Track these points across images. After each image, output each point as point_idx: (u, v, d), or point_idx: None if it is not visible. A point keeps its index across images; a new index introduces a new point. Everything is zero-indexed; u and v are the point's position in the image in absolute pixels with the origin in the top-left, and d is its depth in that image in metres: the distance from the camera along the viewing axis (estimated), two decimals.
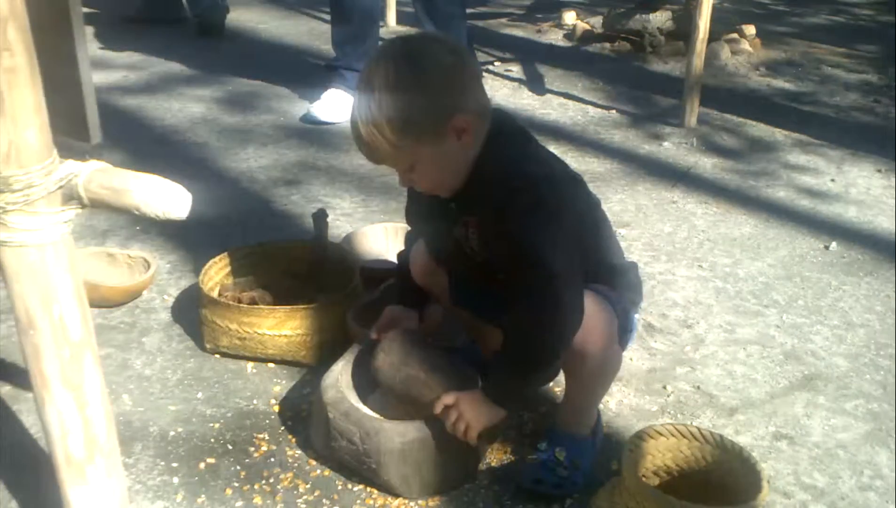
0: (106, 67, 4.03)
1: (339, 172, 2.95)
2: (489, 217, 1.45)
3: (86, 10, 4.52)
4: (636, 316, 1.66)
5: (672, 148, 3.29)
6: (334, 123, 3.38)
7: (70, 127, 1.08)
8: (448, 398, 1.47)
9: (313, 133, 3.31)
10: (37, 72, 0.96)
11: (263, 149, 3.15)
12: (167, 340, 1.98)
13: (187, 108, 3.55)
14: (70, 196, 1.03)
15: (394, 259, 1.82)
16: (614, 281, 1.59)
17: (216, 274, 2.01)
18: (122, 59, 4.18)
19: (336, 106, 3.42)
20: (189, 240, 2.42)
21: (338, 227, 2.51)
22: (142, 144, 3.13)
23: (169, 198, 1.01)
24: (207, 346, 1.91)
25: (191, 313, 2.02)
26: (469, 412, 1.45)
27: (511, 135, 1.51)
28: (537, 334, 1.41)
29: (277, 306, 1.84)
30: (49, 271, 1.05)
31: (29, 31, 0.95)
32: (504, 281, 1.48)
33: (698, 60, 3.36)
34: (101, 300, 2.04)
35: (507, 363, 1.46)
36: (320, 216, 2.03)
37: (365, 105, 1.36)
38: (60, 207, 1.03)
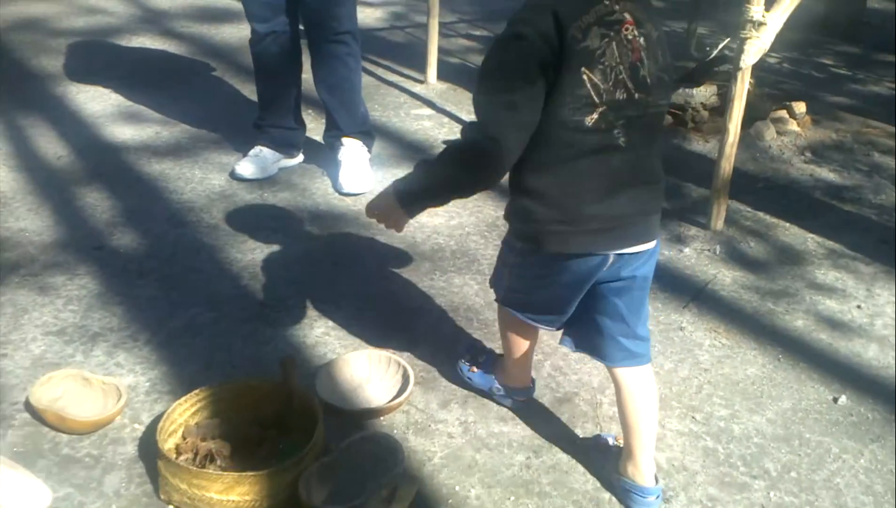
0: (138, 122, 4.08)
1: (341, 278, 2.91)
2: None
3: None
4: None
5: (693, 255, 3.16)
6: (257, 179, 3.50)
7: None
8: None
9: (325, 223, 3.28)
10: None
11: (274, 236, 3.12)
12: (127, 482, 1.95)
13: (208, 179, 3.54)
14: None
15: (374, 389, 1.77)
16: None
17: (180, 416, 1.98)
18: (154, 116, 4.20)
19: (260, 163, 3.53)
20: (175, 353, 2.40)
21: (325, 344, 2.48)
22: (154, 224, 3.15)
23: (25, 495, 0.97)
24: (162, 497, 1.88)
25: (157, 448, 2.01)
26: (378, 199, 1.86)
27: None
28: (458, 164, 1.69)
29: (225, 472, 1.80)
30: None
31: None
32: None
33: (727, 164, 3.21)
34: (69, 431, 2.04)
35: (423, 170, 1.75)
36: (288, 364, 1.99)
37: None
38: None
